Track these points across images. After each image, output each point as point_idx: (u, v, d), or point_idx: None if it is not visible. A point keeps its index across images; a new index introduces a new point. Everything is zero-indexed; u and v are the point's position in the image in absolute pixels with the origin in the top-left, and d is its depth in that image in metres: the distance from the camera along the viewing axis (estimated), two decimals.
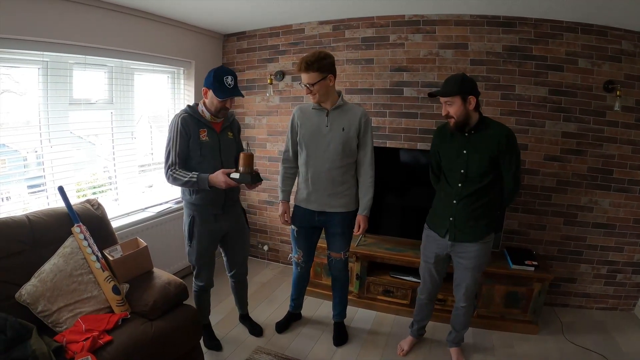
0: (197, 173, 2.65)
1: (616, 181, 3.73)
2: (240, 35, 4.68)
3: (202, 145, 2.75)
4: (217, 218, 2.92)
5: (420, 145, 4.04)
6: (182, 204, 4.06)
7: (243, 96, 2.86)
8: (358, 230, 3.01)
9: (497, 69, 3.73)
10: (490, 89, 3.74)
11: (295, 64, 4.18)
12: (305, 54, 2.81)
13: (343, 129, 2.88)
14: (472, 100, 2.54)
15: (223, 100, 2.69)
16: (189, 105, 2.82)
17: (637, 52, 3.51)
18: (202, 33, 4.43)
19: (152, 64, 4.01)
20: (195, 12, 3.85)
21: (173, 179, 2.70)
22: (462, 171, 2.67)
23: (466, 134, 2.66)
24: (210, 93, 2.69)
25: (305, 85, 2.80)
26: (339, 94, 2.95)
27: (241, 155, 2.66)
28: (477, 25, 3.72)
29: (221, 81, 2.66)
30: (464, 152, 2.66)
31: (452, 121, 2.61)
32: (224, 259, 3.20)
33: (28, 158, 3.26)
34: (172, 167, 2.70)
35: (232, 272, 3.23)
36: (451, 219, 2.75)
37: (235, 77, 2.72)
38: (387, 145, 4.10)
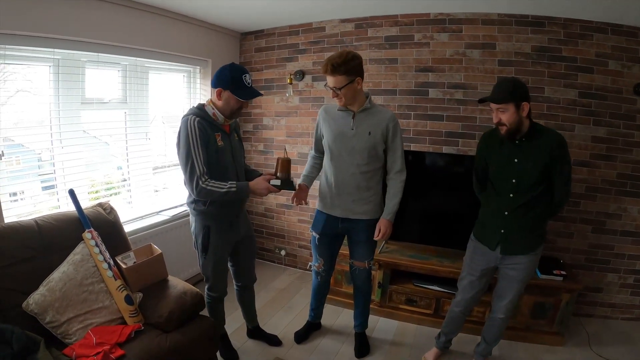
0: (234, 182, 2.46)
1: None
2: (259, 34, 4.58)
3: (219, 151, 2.52)
4: (232, 225, 2.77)
5: (445, 149, 3.92)
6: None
7: (262, 95, 2.73)
8: (378, 235, 2.84)
9: (526, 70, 3.61)
10: None
11: (319, 64, 4.16)
12: (331, 54, 2.66)
13: (369, 133, 2.73)
14: (526, 107, 2.40)
15: (243, 100, 2.51)
16: (197, 107, 2.55)
17: None
18: (219, 31, 4.34)
19: (168, 63, 3.92)
20: (212, 10, 3.76)
21: (207, 192, 2.41)
22: (513, 181, 2.53)
23: (517, 142, 2.52)
24: (227, 94, 2.47)
25: (331, 89, 2.65)
26: (367, 95, 2.79)
27: (280, 160, 2.55)
28: (505, 24, 3.61)
29: (240, 80, 2.47)
30: (515, 160, 2.52)
31: (504, 129, 2.46)
32: (231, 268, 3.04)
33: (42, 158, 3.19)
34: (203, 178, 2.39)
35: (240, 282, 3.09)
36: (502, 231, 2.61)
37: (250, 79, 2.57)
38: (412, 149, 3.98)
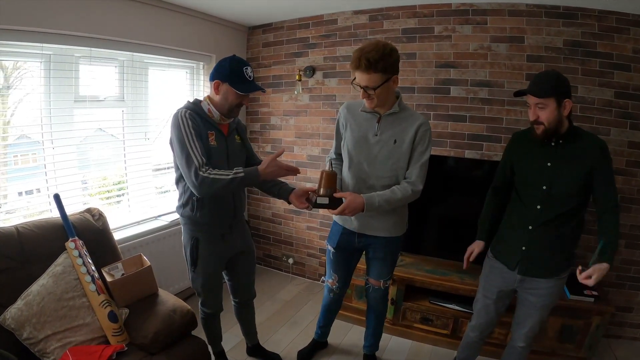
0: (240, 168, 2.19)
1: None
2: (267, 28, 4.42)
3: (210, 152, 2.28)
4: (225, 237, 2.51)
5: (468, 153, 3.69)
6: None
7: (265, 91, 2.46)
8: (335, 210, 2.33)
9: (557, 66, 3.34)
10: None
11: (330, 59, 4.00)
12: (362, 46, 2.27)
13: (395, 142, 2.39)
14: (568, 104, 2.10)
15: (242, 95, 2.28)
16: (192, 102, 2.36)
17: None
18: (224, 25, 4.19)
19: (169, 58, 3.77)
20: (217, 2, 3.62)
21: (211, 182, 2.12)
22: (544, 187, 2.22)
23: (553, 144, 2.22)
24: (225, 87, 2.25)
25: (362, 88, 2.27)
26: (398, 95, 2.44)
27: (324, 174, 2.29)
28: (534, 16, 3.37)
29: (240, 72, 2.24)
30: (548, 164, 2.22)
31: (540, 129, 2.16)
32: (228, 283, 2.82)
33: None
34: (204, 168, 2.13)
35: (237, 298, 2.87)
36: (524, 247, 2.31)
37: (253, 74, 2.33)
38: (431, 152, 3.70)
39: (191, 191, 2.28)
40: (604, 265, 2.02)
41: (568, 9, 3.28)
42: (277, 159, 2.22)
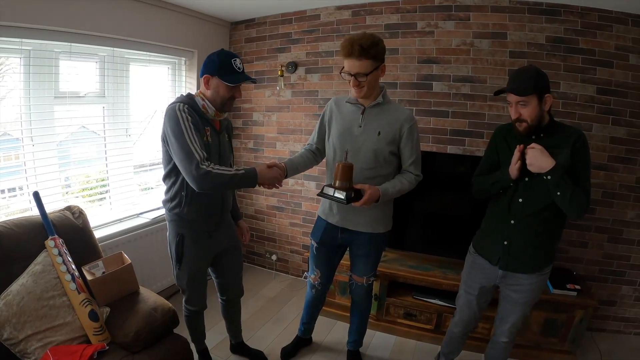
0: (241, 167, 2.21)
1: None
2: (249, 23, 4.38)
3: (206, 148, 2.25)
4: (211, 235, 2.50)
5: (450, 149, 3.71)
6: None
7: (255, 81, 2.40)
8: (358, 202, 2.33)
9: (540, 62, 3.37)
10: None
11: (312, 55, 3.99)
12: (350, 35, 2.32)
13: (379, 133, 2.41)
14: (549, 99, 2.10)
15: (234, 87, 2.26)
16: (186, 96, 2.31)
17: None
18: (206, 20, 4.14)
19: (150, 54, 3.71)
20: None
21: (214, 176, 2.08)
22: (526, 179, 2.23)
23: (534, 137, 2.22)
24: (215, 81, 2.22)
25: (353, 75, 2.29)
26: (382, 88, 2.48)
27: (341, 166, 2.25)
28: (518, 12, 3.39)
29: (229, 64, 2.22)
30: None
31: (523, 126, 2.16)
32: (215, 280, 2.79)
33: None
34: (206, 163, 2.10)
35: (225, 296, 2.84)
36: (505, 242, 2.31)
37: (242, 65, 2.31)
38: (420, 149, 3.74)
39: (180, 186, 2.29)
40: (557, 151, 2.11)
41: (551, 6, 3.30)
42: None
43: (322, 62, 4.07)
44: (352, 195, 2.25)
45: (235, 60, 2.24)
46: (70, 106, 3.20)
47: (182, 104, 2.18)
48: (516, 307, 2.39)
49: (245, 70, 2.31)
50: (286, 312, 3.85)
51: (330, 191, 2.28)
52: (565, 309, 3.13)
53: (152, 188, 4.07)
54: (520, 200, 2.24)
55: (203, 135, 2.22)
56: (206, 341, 2.94)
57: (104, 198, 3.57)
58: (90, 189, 3.52)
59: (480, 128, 3.58)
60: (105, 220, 3.40)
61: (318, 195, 2.30)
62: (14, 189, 2.98)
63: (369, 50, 2.20)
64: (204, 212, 2.39)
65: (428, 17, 3.61)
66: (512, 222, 2.28)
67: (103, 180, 3.57)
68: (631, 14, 3.19)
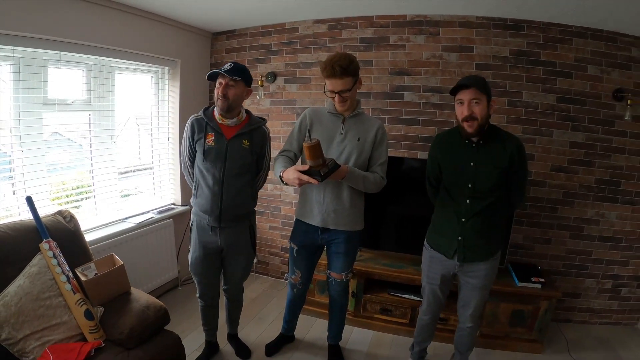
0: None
1: (624, 193, 3.65)
2: (230, 34, 4.47)
3: (205, 151, 2.61)
4: (214, 231, 2.72)
5: (421, 155, 3.87)
6: (164, 214, 3.91)
7: (230, 77, 2.50)
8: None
9: (504, 74, 3.60)
10: (496, 95, 3.56)
11: (291, 66, 4.14)
12: (328, 58, 2.54)
13: (358, 139, 2.64)
14: (494, 104, 2.34)
15: (217, 85, 2.54)
16: (204, 107, 2.75)
17: None
18: (189, 30, 4.21)
19: (135, 63, 3.77)
20: (182, 8, 3.65)
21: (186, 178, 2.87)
22: (469, 186, 2.44)
23: (474, 145, 2.44)
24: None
25: (337, 93, 2.55)
26: (358, 101, 2.74)
27: (305, 147, 2.33)
28: (484, 27, 3.59)
29: (219, 68, 2.55)
30: (472, 164, 2.43)
31: (474, 124, 2.32)
32: (222, 272, 2.99)
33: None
34: (186, 167, 2.82)
35: (225, 288, 3.04)
36: (460, 238, 2.52)
37: (235, 64, 2.56)
38: (388, 155, 3.90)
39: (197, 180, 2.71)
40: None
41: (515, 21, 3.50)
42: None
43: (300, 72, 4.18)
44: (334, 165, 2.38)
45: (226, 64, 2.55)
46: (58, 113, 3.25)
47: (193, 116, 2.68)
48: (475, 292, 2.61)
49: (238, 69, 2.55)
50: (267, 311, 3.95)
51: (324, 169, 2.34)
52: (530, 300, 3.31)
53: (135, 194, 4.13)
54: (468, 202, 2.47)
55: (203, 140, 2.61)
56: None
57: (89, 203, 3.59)
58: (77, 194, 3.55)
59: None
60: (91, 225, 3.43)
61: (322, 181, 2.34)
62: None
63: (348, 68, 2.47)
64: (204, 208, 2.66)
65: (400, 31, 3.77)
66: (463, 220, 2.50)
67: (88, 185, 3.59)
68: (590, 28, 3.41)
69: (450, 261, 2.59)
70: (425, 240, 2.79)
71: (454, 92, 2.39)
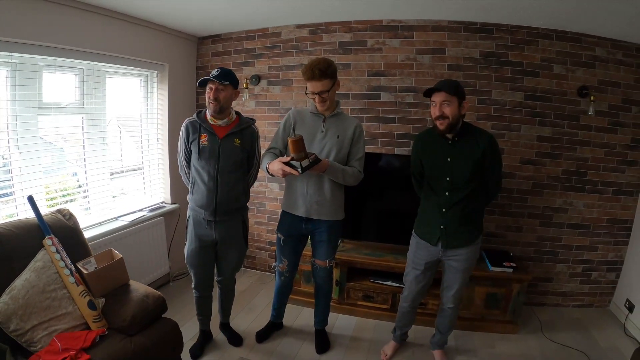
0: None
1: (590, 183, 3.86)
2: (215, 38, 4.58)
3: (199, 151, 2.78)
4: (210, 225, 2.90)
5: (397, 150, 4.06)
6: (155, 212, 4.02)
7: (220, 82, 2.68)
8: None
9: (474, 74, 3.77)
10: (467, 94, 3.59)
11: (274, 69, 4.27)
12: (308, 62, 2.75)
13: (338, 137, 2.86)
14: (466, 105, 2.57)
15: (206, 90, 2.73)
16: (197, 111, 2.92)
17: (610, 58, 3.61)
18: (176, 35, 4.31)
19: (124, 67, 3.86)
20: (168, 14, 3.74)
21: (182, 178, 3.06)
22: (447, 179, 2.67)
23: (450, 142, 2.66)
24: None
25: (317, 94, 2.76)
26: (338, 102, 2.96)
27: (293, 141, 2.53)
28: (455, 31, 3.75)
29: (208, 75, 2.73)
30: (449, 159, 2.66)
31: (445, 122, 2.55)
32: (217, 264, 3.14)
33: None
34: (183, 168, 2.99)
35: (219, 279, 3.19)
36: (442, 227, 2.74)
37: (222, 69, 2.74)
38: (365, 151, 4.03)
39: (193, 178, 2.88)
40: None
41: (484, 25, 3.68)
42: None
43: (283, 75, 4.33)
44: (315, 160, 2.61)
45: (214, 70, 2.72)
46: (53, 116, 3.34)
47: (187, 120, 2.86)
48: (457, 275, 2.83)
49: (226, 74, 2.73)
50: (257, 302, 4.10)
51: (305, 162, 2.56)
52: (503, 284, 3.50)
53: (126, 193, 4.21)
54: (447, 194, 2.70)
55: (197, 140, 2.79)
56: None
57: (82, 203, 3.66)
58: (70, 195, 3.62)
59: None
60: (86, 223, 3.50)
61: (302, 172, 2.54)
62: None
63: (326, 71, 2.69)
64: (200, 203, 2.83)
65: (377, 35, 3.93)
66: (444, 210, 2.73)
67: (81, 186, 3.67)
68: (556, 29, 3.60)
69: (434, 247, 2.81)
70: (413, 230, 2.99)
71: (428, 94, 2.61)
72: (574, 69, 3.66)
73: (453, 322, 3.07)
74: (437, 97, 2.55)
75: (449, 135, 2.64)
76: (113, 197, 4.03)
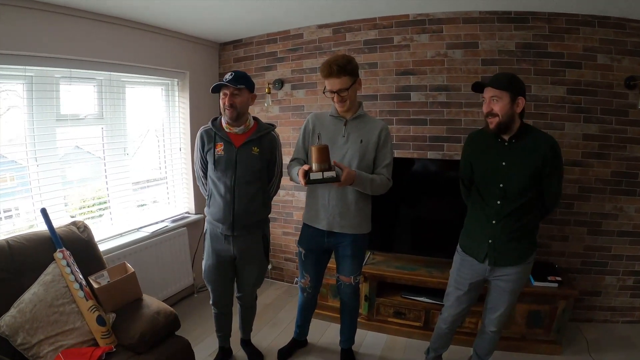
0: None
1: None
2: (237, 44, 4.53)
3: (215, 161, 2.67)
4: (227, 239, 2.75)
5: (430, 154, 3.85)
6: (178, 223, 3.97)
7: (234, 86, 2.55)
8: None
9: (511, 68, 3.54)
10: None
11: (297, 72, 4.17)
12: (327, 59, 2.60)
13: (361, 141, 2.64)
14: (521, 102, 2.29)
15: (221, 96, 2.61)
16: (213, 118, 2.81)
17: None
18: (196, 42, 4.29)
19: (144, 76, 3.86)
20: (188, 21, 3.73)
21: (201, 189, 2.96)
22: (500, 186, 2.39)
23: (506, 143, 2.40)
24: None
25: (336, 92, 2.56)
26: (360, 103, 2.75)
27: (317, 149, 2.37)
28: (487, 22, 3.56)
29: (222, 80, 2.60)
30: (503, 164, 2.39)
31: (495, 121, 2.31)
32: (236, 280, 3.02)
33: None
34: (200, 178, 2.90)
35: (239, 295, 3.06)
36: (490, 241, 2.46)
37: (236, 73, 2.59)
38: (395, 155, 3.85)
39: (210, 190, 2.77)
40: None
41: (519, 14, 3.46)
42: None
43: (307, 78, 4.22)
44: (323, 177, 2.38)
45: (227, 75, 2.57)
46: (71, 128, 3.33)
47: (202, 128, 2.77)
48: (504, 296, 2.52)
49: (239, 78, 2.58)
50: (282, 317, 3.96)
51: (317, 176, 2.37)
52: (547, 300, 3.23)
53: (147, 204, 4.19)
54: (499, 202, 2.40)
55: (213, 150, 2.68)
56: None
57: (104, 214, 3.66)
58: (90, 206, 3.62)
59: (457, 133, 3.72)
60: (107, 234, 3.51)
61: (307, 184, 2.40)
62: (9, 210, 3.05)
63: (345, 67, 2.49)
64: (217, 217, 2.70)
65: (404, 31, 3.77)
66: (494, 222, 2.43)
67: (101, 198, 3.67)
68: (597, 15, 3.34)
69: (481, 265, 2.53)
70: (458, 244, 2.74)
71: (480, 89, 2.41)
72: (620, 58, 3.38)
73: (494, 346, 2.79)
74: (486, 93, 2.34)
75: (505, 137, 2.39)
76: (139, 206, 4.05)
